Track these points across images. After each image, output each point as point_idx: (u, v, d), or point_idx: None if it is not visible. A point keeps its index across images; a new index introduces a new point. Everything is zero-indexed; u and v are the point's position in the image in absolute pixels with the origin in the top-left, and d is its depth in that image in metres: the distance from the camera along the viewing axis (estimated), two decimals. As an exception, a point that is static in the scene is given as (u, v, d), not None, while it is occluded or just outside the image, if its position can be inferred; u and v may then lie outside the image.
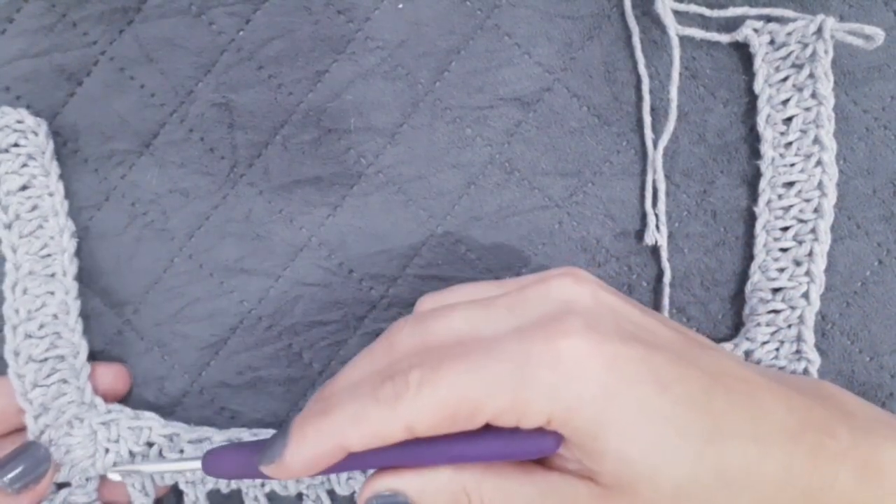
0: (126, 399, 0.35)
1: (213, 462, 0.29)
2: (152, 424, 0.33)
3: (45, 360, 0.32)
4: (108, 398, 0.34)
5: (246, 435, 0.34)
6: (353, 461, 0.27)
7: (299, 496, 0.34)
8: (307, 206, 0.35)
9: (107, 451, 0.33)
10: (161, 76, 0.34)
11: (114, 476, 0.33)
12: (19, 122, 0.33)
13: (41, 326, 0.33)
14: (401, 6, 0.34)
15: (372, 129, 0.35)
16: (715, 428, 0.27)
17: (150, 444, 0.33)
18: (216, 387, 0.35)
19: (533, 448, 0.26)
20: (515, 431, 0.26)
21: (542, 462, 0.28)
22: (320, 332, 0.35)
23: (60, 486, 0.33)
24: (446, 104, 0.35)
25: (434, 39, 0.35)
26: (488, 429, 0.26)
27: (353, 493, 0.34)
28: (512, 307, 0.27)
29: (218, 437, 0.34)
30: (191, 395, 0.35)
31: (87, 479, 0.33)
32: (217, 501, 0.34)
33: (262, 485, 0.34)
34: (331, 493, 0.34)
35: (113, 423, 0.33)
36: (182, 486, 0.34)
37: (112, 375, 0.34)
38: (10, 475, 0.29)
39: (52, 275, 0.33)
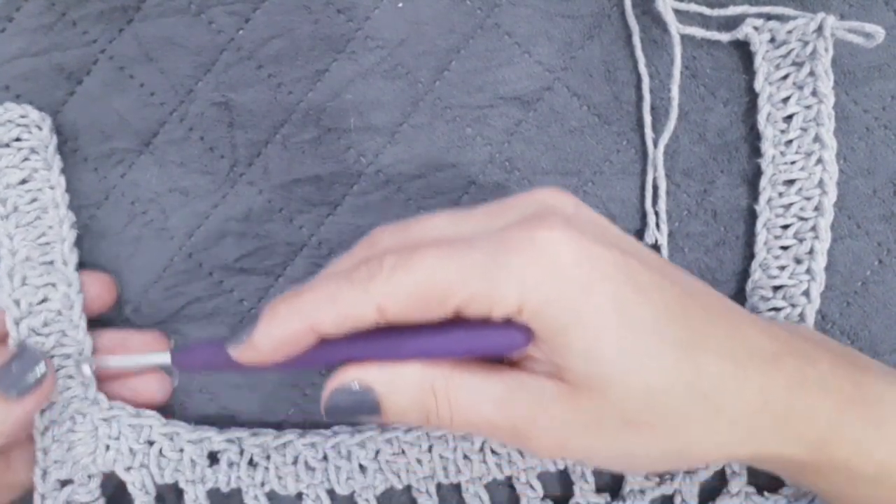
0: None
1: (182, 356, 0.29)
2: (152, 422, 0.33)
3: (52, 357, 0.32)
4: (94, 309, 0.33)
5: (246, 435, 0.34)
6: (323, 353, 0.27)
7: (299, 496, 0.34)
8: (307, 206, 0.35)
9: (107, 447, 0.33)
10: (161, 75, 0.34)
11: (86, 370, 0.32)
12: (23, 116, 0.33)
13: (46, 324, 0.32)
14: (400, 5, 0.34)
15: (372, 128, 0.35)
16: (691, 340, 0.26)
17: (150, 443, 0.33)
18: (216, 386, 0.35)
19: (503, 342, 0.26)
20: (486, 325, 0.26)
21: (511, 364, 0.28)
22: (320, 331, 0.35)
23: (64, 483, 0.33)
24: (446, 103, 0.35)
25: (434, 38, 0.35)
26: (459, 324, 0.26)
27: (353, 492, 0.34)
28: (493, 213, 0.27)
29: (218, 437, 0.34)
30: (191, 395, 0.35)
31: (89, 477, 0.33)
32: (217, 501, 0.34)
33: (262, 484, 0.34)
34: (331, 492, 0.34)
35: (114, 420, 0.33)
36: (182, 485, 0.34)
37: (98, 284, 0.34)
38: (5, 379, 0.29)
39: (51, 262, 0.33)
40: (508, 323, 0.26)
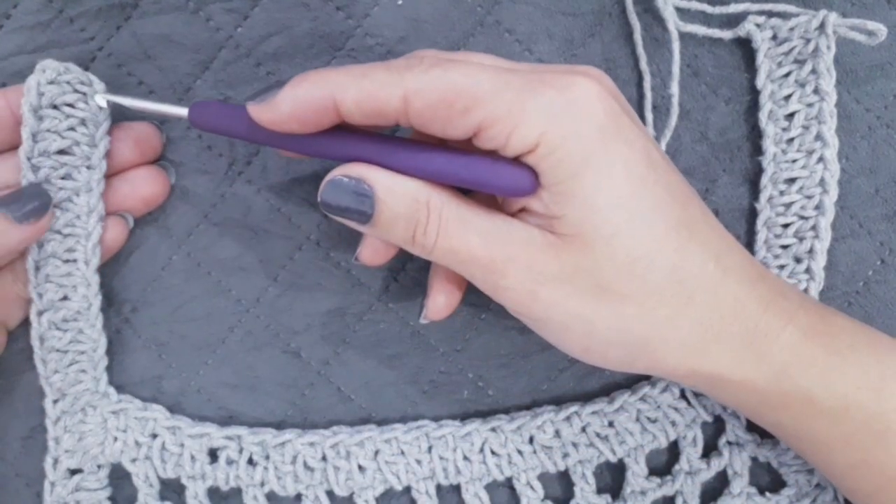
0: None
1: (200, 111, 0.29)
2: (157, 416, 0.34)
3: (67, 351, 0.33)
4: (139, 210, 0.34)
5: (245, 433, 0.34)
6: (336, 145, 0.27)
7: (298, 497, 0.34)
8: (305, 205, 0.35)
9: (115, 439, 0.34)
10: (159, 73, 0.34)
11: (100, 101, 0.31)
12: (83, 83, 0.31)
13: (65, 321, 0.33)
14: (400, 2, 0.34)
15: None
16: (685, 225, 0.27)
17: (154, 436, 0.34)
18: (214, 386, 0.35)
19: (510, 180, 0.27)
20: (494, 161, 0.26)
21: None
22: (319, 331, 0.35)
23: (74, 472, 0.34)
24: (446, 101, 0.35)
25: (434, 36, 0.34)
26: (469, 153, 0.27)
27: (353, 493, 0.34)
28: (539, 67, 0.28)
29: (217, 434, 0.34)
30: (189, 395, 0.35)
31: (98, 467, 0.34)
32: (217, 500, 0.34)
33: (262, 484, 0.34)
34: (330, 493, 0.34)
35: (122, 413, 0.34)
36: (184, 481, 0.34)
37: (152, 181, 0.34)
38: (15, 204, 0.30)
39: (74, 261, 0.32)
40: (518, 163, 0.26)
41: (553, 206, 0.26)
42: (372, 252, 0.31)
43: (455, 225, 0.27)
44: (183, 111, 0.29)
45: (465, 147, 0.27)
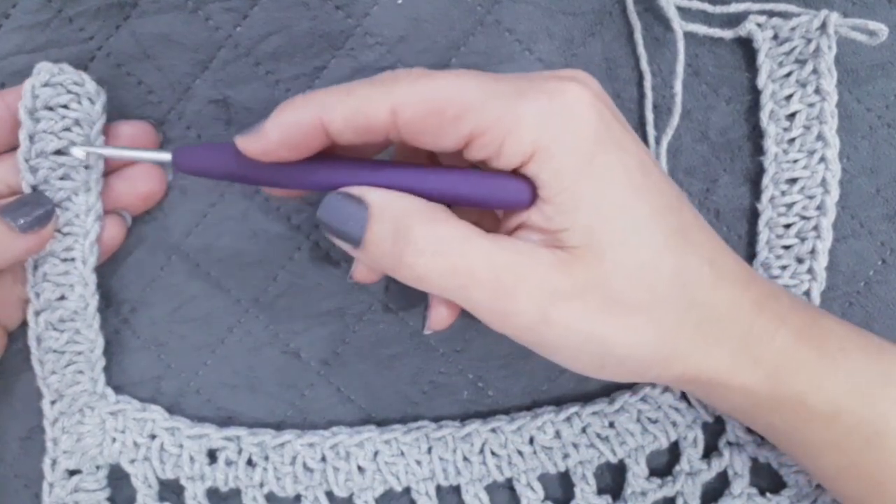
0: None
1: (184, 155, 0.28)
2: (156, 417, 0.34)
3: (64, 352, 0.33)
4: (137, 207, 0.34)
5: (244, 433, 0.34)
6: (327, 172, 0.27)
7: (297, 498, 0.34)
8: (304, 204, 0.35)
9: (114, 440, 0.34)
10: (158, 73, 0.34)
11: (77, 153, 0.31)
12: (77, 83, 0.31)
13: (62, 321, 0.33)
14: (400, 1, 0.34)
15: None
16: (681, 230, 0.27)
17: (153, 437, 0.34)
18: (213, 387, 0.35)
19: (506, 193, 0.26)
20: (491, 173, 0.26)
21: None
22: (318, 331, 0.35)
23: (72, 473, 0.34)
24: (446, 101, 0.35)
25: (434, 35, 0.34)
26: (464, 169, 0.26)
27: (352, 494, 0.34)
28: (527, 76, 0.27)
29: (216, 434, 0.34)
30: (188, 395, 0.35)
31: (97, 468, 0.34)
32: (216, 501, 0.34)
33: (261, 485, 0.34)
34: (329, 494, 0.34)
35: (120, 414, 0.34)
36: (183, 482, 0.34)
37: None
38: (19, 212, 0.30)
39: (72, 260, 0.32)
40: (515, 175, 0.26)
41: (557, 217, 0.25)
42: (366, 269, 0.31)
43: (454, 241, 0.26)
44: (167, 156, 0.28)
45: (457, 163, 0.27)
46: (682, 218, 0.27)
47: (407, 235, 0.26)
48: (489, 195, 0.26)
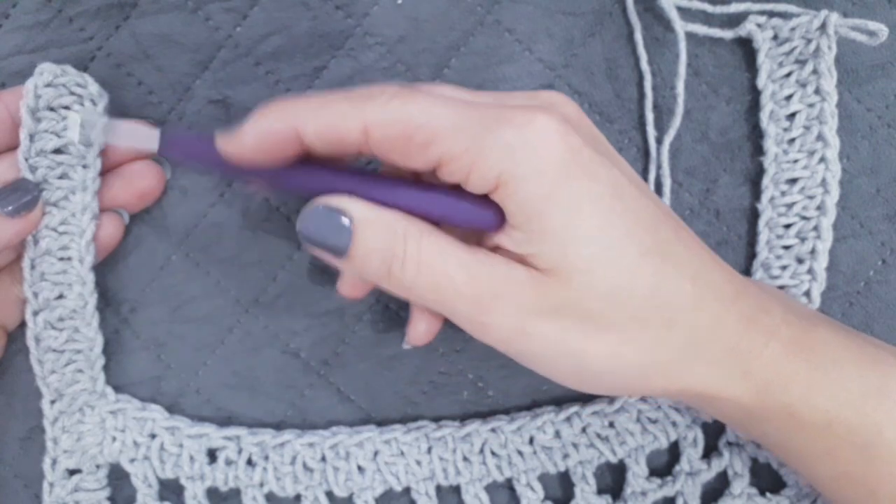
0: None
1: (170, 139, 0.29)
2: (156, 416, 0.34)
3: (63, 351, 0.33)
4: (135, 205, 0.34)
5: (244, 433, 0.34)
6: (305, 177, 0.27)
7: (297, 497, 0.34)
8: (304, 205, 0.35)
9: (114, 439, 0.34)
10: (158, 73, 0.34)
11: (71, 133, 0.31)
12: (79, 85, 0.32)
13: (60, 319, 0.33)
14: (400, 2, 0.34)
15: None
16: (657, 249, 0.27)
17: (153, 436, 0.34)
18: (213, 387, 0.35)
19: (475, 216, 0.27)
20: (462, 194, 0.26)
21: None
22: (318, 331, 0.35)
23: (72, 472, 0.34)
24: (446, 101, 0.35)
25: (434, 36, 0.34)
26: (437, 188, 0.27)
27: (352, 494, 0.34)
28: (501, 96, 0.28)
29: (216, 434, 0.34)
30: (188, 395, 0.35)
31: (97, 467, 0.34)
32: (216, 501, 0.34)
33: (261, 485, 0.34)
34: (329, 494, 0.34)
35: (120, 413, 0.34)
36: (183, 481, 0.34)
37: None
38: (5, 199, 0.30)
39: (69, 259, 0.32)
40: (485, 199, 0.26)
41: (525, 244, 0.26)
42: (351, 284, 0.31)
43: (437, 257, 0.26)
44: (153, 138, 0.29)
45: (438, 178, 0.27)
46: (658, 237, 0.27)
47: (393, 249, 0.26)
48: (459, 217, 0.27)
